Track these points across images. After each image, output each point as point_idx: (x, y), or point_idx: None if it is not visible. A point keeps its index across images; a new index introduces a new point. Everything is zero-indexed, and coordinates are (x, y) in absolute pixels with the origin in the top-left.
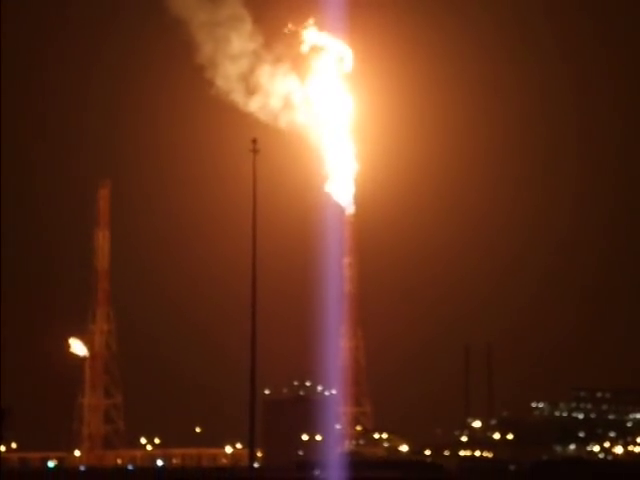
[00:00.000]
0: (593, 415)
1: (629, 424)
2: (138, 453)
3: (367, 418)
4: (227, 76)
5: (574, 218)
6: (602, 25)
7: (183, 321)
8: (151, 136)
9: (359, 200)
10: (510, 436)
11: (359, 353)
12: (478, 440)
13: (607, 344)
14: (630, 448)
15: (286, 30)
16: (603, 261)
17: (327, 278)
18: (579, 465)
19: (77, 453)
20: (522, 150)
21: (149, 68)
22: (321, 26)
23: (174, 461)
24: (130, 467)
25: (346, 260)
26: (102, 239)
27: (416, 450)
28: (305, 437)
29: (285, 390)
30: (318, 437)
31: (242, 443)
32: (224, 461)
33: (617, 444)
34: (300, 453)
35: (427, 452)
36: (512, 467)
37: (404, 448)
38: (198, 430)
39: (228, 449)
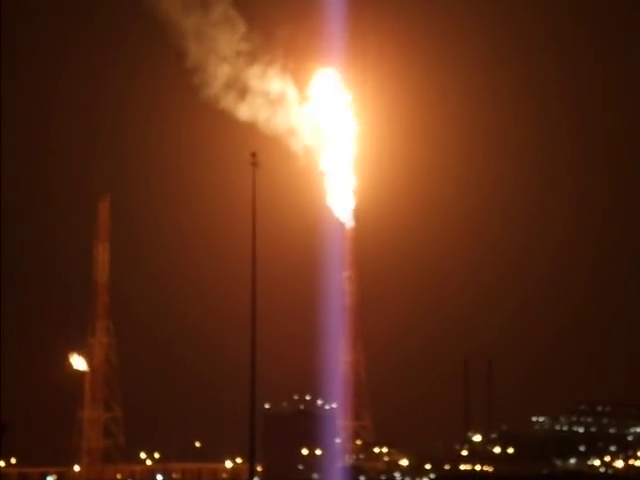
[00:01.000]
0: (594, 429)
1: (630, 438)
2: (138, 468)
3: (367, 432)
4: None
5: (574, 229)
6: (592, 29)
7: (183, 334)
8: (151, 148)
9: (359, 214)
10: (511, 450)
11: (359, 366)
12: (478, 454)
13: (608, 357)
14: (631, 462)
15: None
16: (604, 273)
17: (327, 292)
18: (580, 479)
19: (76, 468)
20: (518, 157)
21: (143, 78)
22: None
23: (174, 476)
24: None
25: (346, 274)
26: (102, 252)
27: (416, 464)
28: (305, 451)
29: (285, 404)
30: (318, 451)
31: (242, 458)
32: (224, 476)
33: (618, 458)
34: (300, 467)
35: (427, 466)
36: None
37: (404, 462)
38: (198, 445)
39: (228, 464)
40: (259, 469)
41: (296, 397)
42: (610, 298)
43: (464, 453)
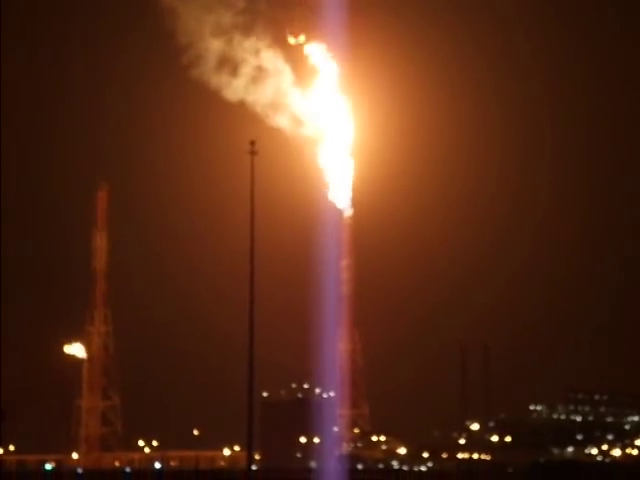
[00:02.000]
0: (591, 417)
1: (627, 426)
2: (136, 455)
3: (365, 420)
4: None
5: (572, 221)
6: (573, 26)
7: (181, 323)
8: (150, 136)
9: (357, 202)
10: (508, 438)
11: (357, 355)
12: (476, 442)
13: (605, 346)
14: (628, 450)
15: (290, 39)
16: (603, 265)
17: (325, 280)
18: (577, 468)
19: (75, 456)
20: (524, 154)
21: (142, 68)
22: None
23: (172, 463)
24: (128, 469)
25: (344, 262)
26: (100, 240)
27: (413, 453)
28: (303, 439)
29: (283, 392)
30: (316, 439)
31: (240, 445)
32: (222, 463)
33: (615, 446)
34: (298, 455)
35: (425, 454)
36: (510, 469)
37: (402, 450)
38: (196, 432)
39: (226, 451)
40: (257, 457)
41: (294, 385)
42: (611, 289)
43: (462, 441)
